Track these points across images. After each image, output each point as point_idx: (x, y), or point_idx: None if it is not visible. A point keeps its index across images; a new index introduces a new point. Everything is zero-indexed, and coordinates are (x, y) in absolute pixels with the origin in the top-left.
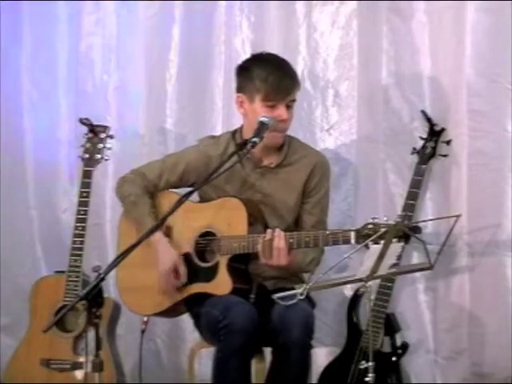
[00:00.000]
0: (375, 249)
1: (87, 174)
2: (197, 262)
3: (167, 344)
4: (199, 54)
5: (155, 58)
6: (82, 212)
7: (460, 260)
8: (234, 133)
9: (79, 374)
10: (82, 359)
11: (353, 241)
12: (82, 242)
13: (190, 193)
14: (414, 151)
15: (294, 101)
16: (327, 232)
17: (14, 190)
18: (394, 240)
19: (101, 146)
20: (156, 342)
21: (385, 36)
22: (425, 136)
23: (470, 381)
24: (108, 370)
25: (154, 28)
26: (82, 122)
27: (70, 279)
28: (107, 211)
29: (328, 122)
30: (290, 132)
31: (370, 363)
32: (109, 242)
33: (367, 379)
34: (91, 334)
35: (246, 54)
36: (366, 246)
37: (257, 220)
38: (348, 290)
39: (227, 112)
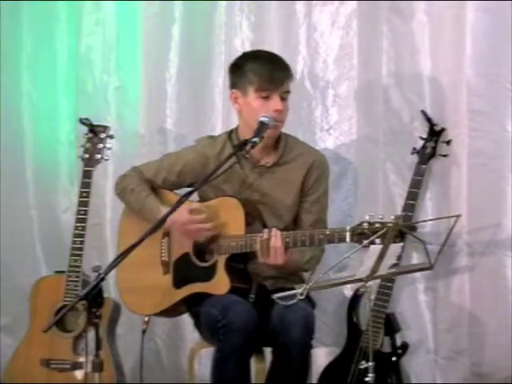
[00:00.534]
0: (375, 249)
1: (87, 174)
2: (195, 262)
3: (167, 344)
4: (199, 54)
5: (155, 58)
6: (82, 212)
7: (460, 260)
8: (229, 133)
9: (79, 374)
10: (82, 359)
11: (348, 239)
12: (82, 242)
13: (190, 193)
14: (414, 151)
15: (288, 92)
16: (323, 231)
17: (13, 190)
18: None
19: (101, 145)
20: (156, 341)
21: (385, 36)
22: (425, 136)
23: (469, 381)
24: (108, 370)
25: (153, 28)
26: (82, 122)
27: (70, 279)
28: (107, 211)
29: (328, 122)
30: (290, 132)
31: (370, 363)
32: (109, 242)
33: (367, 379)
34: (91, 334)
35: None
36: (367, 246)
37: (255, 219)
38: (348, 290)
39: (227, 112)
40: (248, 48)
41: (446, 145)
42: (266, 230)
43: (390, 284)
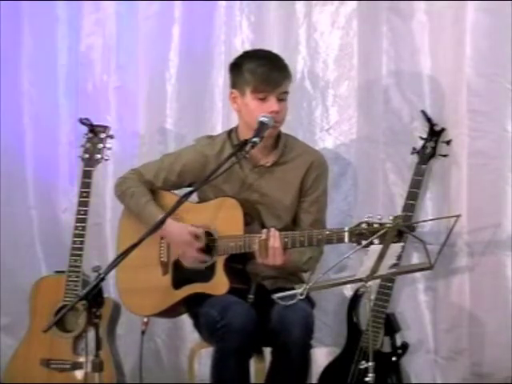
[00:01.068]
0: (375, 249)
1: (87, 174)
2: None
3: (167, 344)
4: (199, 54)
5: (155, 58)
6: (82, 212)
7: (460, 260)
8: (229, 132)
9: (79, 374)
10: (82, 359)
11: (346, 240)
12: (82, 242)
13: (190, 193)
14: (414, 151)
15: (286, 93)
16: (321, 231)
17: (13, 189)
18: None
19: (101, 145)
20: (156, 341)
21: (385, 36)
22: (425, 136)
23: (469, 381)
24: (108, 370)
25: (153, 28)
26: (82, 122)
27: (70, 279)
28: (107, 211)
29: (328, 122)
30: (290, 132)
31: (370, 363)
32: (109, 242)
33: (367, 379)
34: (91, 334)
35: None
36: (366, 247)
37: (253, 220)
38: (348, 290)
39: (227, 112)
40: (248, 48)
41: (446, 145)
42: (264, 231)
43: (390, 284)
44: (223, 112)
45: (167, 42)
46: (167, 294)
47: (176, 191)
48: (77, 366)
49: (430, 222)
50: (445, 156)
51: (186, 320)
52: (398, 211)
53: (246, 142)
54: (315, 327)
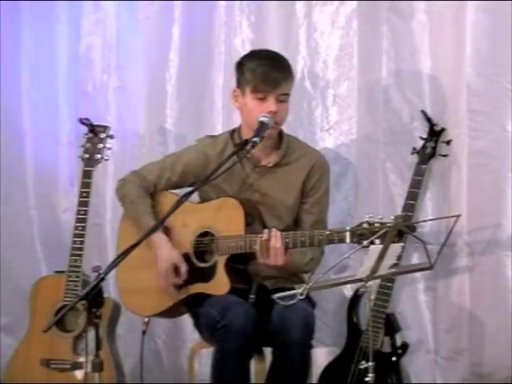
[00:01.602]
0: (375, 249)
1: (87, 174)
2: (195, 263)
3: (167, 344)
4: (199, 54)
5: (155, 58)
6: (82, 212)
7: (460, 260)
8: (232, 132)
9: (79, 374)
10: (82, 359)
11: (348, 240)
12: (82, 242)
13: (190, 193)
14: (414, 151)
15: (286, 95)
16: (322, 231)
17: (13, 189)
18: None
19: (101, 145)
20: (156, 342)
21: (385, 36)
22: (425, 136)
23: (469, 381)
24: (108, 370)
25: (153, 28)
26: (82, 122)
27: (70, 279)
28: (107, 211)
29: (328, 122)
30: (290, 132)
31: (370, 363)
32: (109, 242)
33: (367, 379)
34: (91, 333)
35: None
36: (366, 247)
37: (255, 220)
38: (348, 290)
39: (227, 112)
40: (248, 48)
41: (446, 145)
42: (265, 231)
43: (390, 284)
44: (223, 112)
45: (167, 42)
46: (167, 294)
47: (176, 191)
48: (77, 366)
49: (429, 222)
50: (445, 156)
51: (186, 320)
52: (398, 211)
53: (246, 142)
54: (315, 327)
